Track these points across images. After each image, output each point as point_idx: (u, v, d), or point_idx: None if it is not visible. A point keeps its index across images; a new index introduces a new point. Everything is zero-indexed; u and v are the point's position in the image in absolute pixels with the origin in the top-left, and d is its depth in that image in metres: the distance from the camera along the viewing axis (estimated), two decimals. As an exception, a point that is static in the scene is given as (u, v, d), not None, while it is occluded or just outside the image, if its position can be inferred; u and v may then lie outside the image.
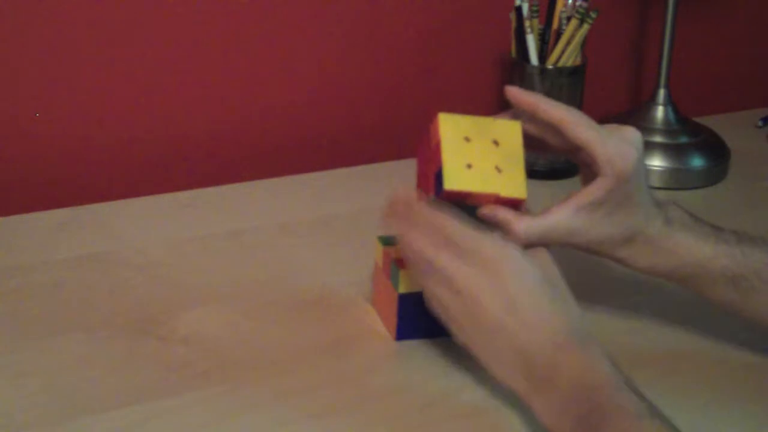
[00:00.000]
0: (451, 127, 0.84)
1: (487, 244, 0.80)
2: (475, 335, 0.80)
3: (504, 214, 0.83)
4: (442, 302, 0.81)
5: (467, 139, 0.84)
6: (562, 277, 0.82)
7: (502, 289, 0.78)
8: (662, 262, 0.87)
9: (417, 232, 0.82)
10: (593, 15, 1.19)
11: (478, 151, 0.84)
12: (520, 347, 0.78)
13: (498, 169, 0.84)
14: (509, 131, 0.85)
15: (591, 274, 1.01)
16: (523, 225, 0.83)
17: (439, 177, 0.83)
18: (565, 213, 0.84)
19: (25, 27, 1.12)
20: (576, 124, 0.84)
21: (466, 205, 0.84)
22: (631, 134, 0.85)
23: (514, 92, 0.86)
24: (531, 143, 0.87)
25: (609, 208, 0.84)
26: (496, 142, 0.84)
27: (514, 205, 0.84)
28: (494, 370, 0.80)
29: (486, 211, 0.83)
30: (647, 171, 0.87)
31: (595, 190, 0.84)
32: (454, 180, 0.82)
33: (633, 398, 0.73)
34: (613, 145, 0.83)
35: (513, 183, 0.84)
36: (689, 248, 0.86)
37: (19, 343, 0.89)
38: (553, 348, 0.77)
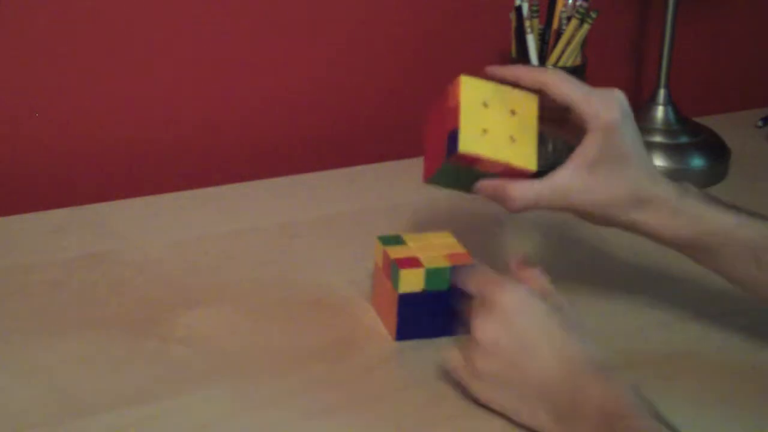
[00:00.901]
0: (471, 91, 0.84)
1: (495, 289, 0.80)
2: (497, 384, 0.80)
3: (496, 182, 0.83)
4: (469, 355, 0.81)
5: (485, 105, 0.84)
6: (572, 307, 0.81)
7: (512, 330, 0.79)
8: (684, 228, 0.85)
9: None
10: (593, 15, 1.19)
11: (495, 118, 0.84)
12: (539, 383, 0.77)
13: (512, 139, 0.84)
14: (526, 102, 0.85)
15: (590, 274, 1.01)
16: (518, 188, 0.83)
17: (452, 137, 0.83)
18: (561, 173, 0.84)
19: (25, 27, 1.12)
20: (560, 84, 0.84)
21: (467, 173, 0.84)
22: (614, 91, 0.85)
23: (493, 70, 0.86)
24: (549, 118, 0.87)
25: (605, 164, 0.84)
26: (513, 112, 0.84)
27: (522, 177, 0.84)
28: (519, 414, 0.79)
29: (480, 188, 0.84)
30: (639, 132, 0.86)
31: (587, 145, 0.84)
32: (470, 143, 0.82)
33: (660, 427, 0.71)
34: (597, 99, 0.84)
35: (524, 154, 0.84)
36: (712, 216, 0.85)
37: (20, 342, 0.89)
38: (572, 379, 0.76)
